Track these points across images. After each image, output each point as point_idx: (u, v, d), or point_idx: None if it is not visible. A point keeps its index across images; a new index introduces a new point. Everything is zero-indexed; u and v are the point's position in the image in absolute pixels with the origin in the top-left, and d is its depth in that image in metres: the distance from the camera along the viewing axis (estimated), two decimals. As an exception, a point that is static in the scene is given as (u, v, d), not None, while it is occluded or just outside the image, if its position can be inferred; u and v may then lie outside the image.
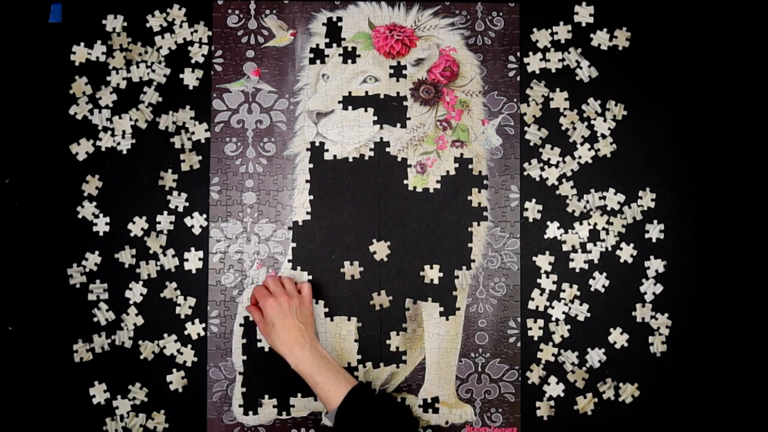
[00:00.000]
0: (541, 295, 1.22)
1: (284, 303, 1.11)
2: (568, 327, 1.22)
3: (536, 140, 1.23)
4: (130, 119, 1.22)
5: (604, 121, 1.23)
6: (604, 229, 1.22)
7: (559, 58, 1.24)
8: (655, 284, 1.22)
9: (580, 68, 1.24)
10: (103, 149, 1.21)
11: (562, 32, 1.24)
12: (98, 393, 1.20)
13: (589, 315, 1.22)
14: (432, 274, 1.21)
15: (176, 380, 1.20)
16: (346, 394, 1.06)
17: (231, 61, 1.23)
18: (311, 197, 1.22)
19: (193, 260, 1.21)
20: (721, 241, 1.22)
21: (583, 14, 1.24)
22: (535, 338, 1.21)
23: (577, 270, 1.22)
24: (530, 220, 1.22)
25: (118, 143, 1.21)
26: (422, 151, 1.22)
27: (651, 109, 1.23)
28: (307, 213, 1.22)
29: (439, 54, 1.23)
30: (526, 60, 1.24)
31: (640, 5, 1.24)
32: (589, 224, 1.22)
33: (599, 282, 1.22)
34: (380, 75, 1.23)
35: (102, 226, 1.21)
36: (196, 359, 1.20)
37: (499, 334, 1.21)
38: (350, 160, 1.22)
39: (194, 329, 1.20)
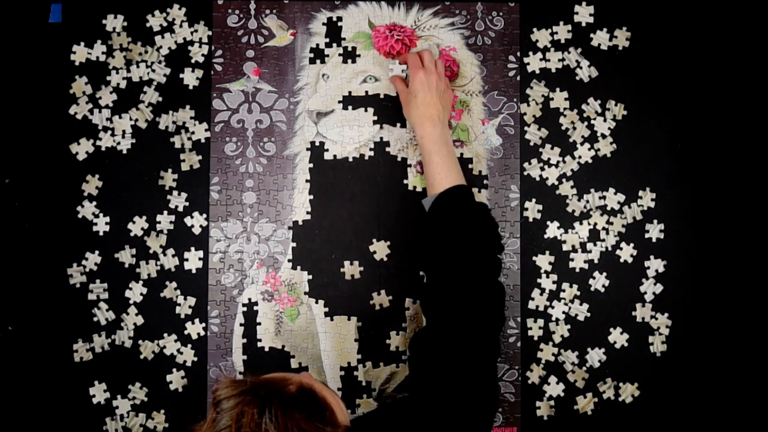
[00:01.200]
0: (541, 294, 1.22)
1: (432, 79, 1.12)
2: (568, 327, 1.22)
3: (536, 140, 1.23)
4: (130, 119, 1.22)
5: (604, 121, 1.23)
6: (604, 229, 1.22)
7: (559, 58, 1.24)
8: (655, 284, 1.22)
9: (580, 68, 1.24)
10: (103, 149, 1.21)
11: (562, 32, 1.24)
12: (98, 393, 1.20)
13: (589, 315, 1.22)
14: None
15: (176, 380, 1.20)
16: (453, 185, 1.06)
17: (231, 61, 1.23)
18: (311, 197, 1.22)
19: (193, 260, 1.21)
20: (721, 241, 1.22)
21: (583, 14, 1.24)
22: (535, 338, 1.21)
23: (577, 270, 1.22)
24: (530, 220, 1.22)
25: (118, 143, 1.21)
26: (422, 151, 1.22)
27: (651, 109, 1.23)
28: (307, 213, 1.22)
29: (439, 54, 1.23)
30: (526, 60, 1.23)
31: (640, 5, 1.24)
32: (589, 224, 1.22)
33: (599, 282, 1.22)
34: (380, 75, 1.23)
35: (102, 226, 1.21)
36: (196, 359, 1.20)
37: (500, 341, 1.21)
38: (350, 160, 1.22)
39: (194, 329, 1.20)
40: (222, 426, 0.77)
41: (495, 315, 1.04)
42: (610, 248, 1.22)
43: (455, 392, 0.96)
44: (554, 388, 1.21)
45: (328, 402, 0.84)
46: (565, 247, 1.22)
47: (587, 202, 1.23)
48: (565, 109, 1.23)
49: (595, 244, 1.22)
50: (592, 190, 1.23)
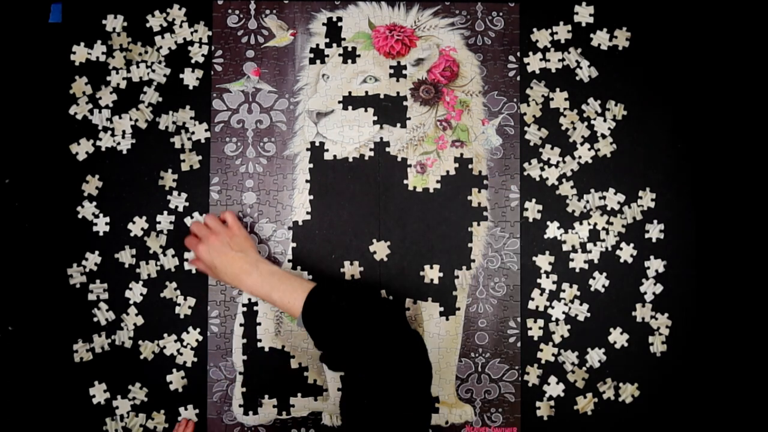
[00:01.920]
0: (541, 295, 1.22)
1: (214, 242, 1.11)
2: (568, 327, 1.22)
3: (536, 140, 1.23)
4: (130, 119, 1.22)
5: (604, 121, 1.23)
6: (604, 229, 1.22)
7: (559, 58, 1.24)
8: (655, 284, 1.22)
9: (580, 68, 1.24)
10: (103, 149, 1.21)
11: (562, 32, 1.24)
12: (98, 393, 1.20)
13: (589, 315, 1.22)
14: (432, 274, 1.21)
15: (176, 380, 1.20)
16: (305, 298, 1.04)
17: (231, 61, 1.23)
18: (311, 197, 1.22)
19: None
20: (721, 241, 1.22)
21: (583, 14, 1.24)
22: (535, 338, 1.21)
23: (577, 270, 1.22)
24: (530, 220, 1.22)
25: (118, 143, 1.21)
26: (422, 151, 1.22)
27: (651, 109, 1.23)
28: (307, 213, 1.22)
29: (439, 54, 1.23)
30: (526, 60, 1.24)
31: (640, 5, 1.24)
32: (589, 224, 1.22)
33: (599, 282, 1.22)
34: (380, 75, 1.23)
35: (102, 226, 1.21)
36: (196, 359, 1.20)
37: (499, 334, 1.21)
38: (350, 160, 1.22)
39: (194, 330, 1.20)
40: None
41: (420, 367, 0.99)
42: (610, 248, 1.22)
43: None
44: (554, 389, 1.21)
45: None
46: (565, 247, 1.22)
47: (587, 202, 1.23)
48: (565, 109, 1.23)
49: (595, 244, 1.22)
50: (592, 190, 1.23)
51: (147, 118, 1.22)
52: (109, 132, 1.21)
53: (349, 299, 1.04)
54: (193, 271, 1.21)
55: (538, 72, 1.24)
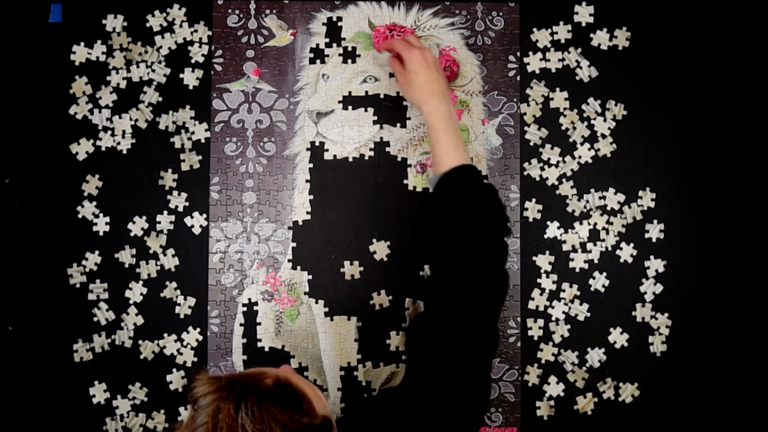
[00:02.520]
0: (541, 294, 1.22)
1: (429, 57, 1.10)
2: (568, 327, 1.22)
3: (536, 140, 1.23)
4: (130, 119, 1.22)
5: (604, 121, 1.23)
6: (604, 229, 1.22)
7: (559, 58, 1.24)
8: (655, 284, 1.22)
9: (580, 68, 1.24)
10: (103, 149, 1.21)
11: (562, 32, 1.24)
12: (98, 393, 1.20)
13: (589, 315, 1.22)
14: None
15: (176, 380, 1.20)
16: (460, 164, 1.04)
17: (231, 61, 1.23)
18: (311, 197, 1.22)
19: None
20: (721, 241, 1.22)
21: (583, 14, 1.24)
22: (535, 338, 1.21)
23: (577, 270, 1.22)
24: (530, 220, 1.22)
25: (118, 143, 1.21)
26: (422, 151, 1.22)
27: (651, 109, 1.23)
28: (307, 213, 1.22)
29: (439, 54, 1.23)
30: (526, 60, 1.23)
31: (640, 5, 1.24)
32: (589, 224, 1.22)
33: (599, 282, 1.22)
34: (380, 75, 1.23)
35: (102, 226, 1.21)
36: (196, 359, 1.20)
37: (499, 334, 1.21)
38: (350, 160, 1.22)
39: (194, 330, 1.20)
40: (199, 423, 0.78)
41: (496, 303, 1.01)
42: (610, 248, 1.22)
43: (448, 384, 0.95)
44: (554, 388, 1.21)
45: (305, 393, 0.84)
46: (565, 247, 1.22)
47: (587, 202, 1.23)
48: (565, 109, 1.23)
49: (595, 244, 1.22)
50: (592, 190, 1.23)
51: (147, 118, 1.22)
52: (109, 132, 1.21)
53: (487, 193, 1.04)
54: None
55: (538, 72, 1.24)
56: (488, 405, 1.00)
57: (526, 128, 1.23)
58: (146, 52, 1.22)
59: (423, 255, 1.04)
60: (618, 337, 1.22)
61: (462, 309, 0.98)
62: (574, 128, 1.23)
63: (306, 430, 0.79)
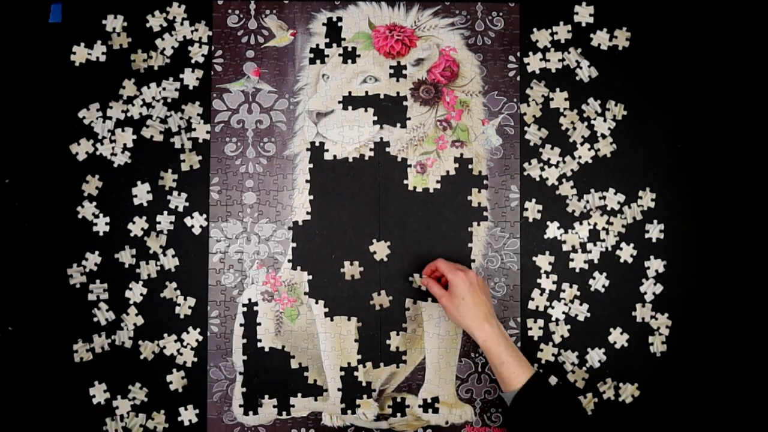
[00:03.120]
0: (541, 295, 1.22)
1: (473, 278, 1.11)
2: (568, 327, 1.22)
3: (536, 140, 1.23)
4: (133, 132, 1.21)
5: (604, 121, 1.23)
6: (604, 229, 1.22)
7: (559, 58, 1.24)
8: (655, 284, 1.22)
9: (580, 68, 1.24)
10: (102, 155, 1.21)
11: (562, 32, 1.24)
12: (98, 393, 1.20)
13: (589, 315, 1.22)
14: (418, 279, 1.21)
15: (176, 380, 1.20)
16: (529, 378, 1.06)
17: (231, 61, 1.23)
18: (311, 197, 1.22)
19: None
20: (721, 241, 1.22)
21: (583, 14, 1.24)
22: (535, 338, 1.21)
23: (577, 270, 1.22)
24: (530, 220, 1.22)
25: (115, 154, 1.21)
26: (422, 151, 1.22)
27: (651, 109, 1.23)
28: (307, 213, 1.22)
29: (439, 54, 1.23)
30: (526, 60, 1.24)
31: (640, 5, 1.24)
32: (589, 224, 1.22)
33: (599, 282, 1.22)
34: (380, 75, 1.23)
35: (102, 226, 1.21)
36: (196, 359, 1.20)
37: None
38: (350, 160, 1.22)
39: (194, 330, 1.20)
40: None
41: None
42: (610, 248, 1.22)
43: None
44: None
45: None
46: (565, 247, 1.22)
47: (587, 202, 1.23)
48: (565, 109, 1.23)
49: (595, 244, 1.22)
50: (592, 190, 1.23)
51: (158, 130, 1.21)
52: (110, 142, 1.21)
53: (562, 398, 1.07)
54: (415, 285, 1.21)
55: (538, 72, 1.24)
56: None
57: (526, 128, 1.23)
58: (150, 57, 1.22)
59: None
60: (618, 337, 1.22)
61: None
62: (574, 128, 1.23)
63: None
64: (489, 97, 1.23)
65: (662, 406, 1.21)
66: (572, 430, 1.03)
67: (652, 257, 1.22)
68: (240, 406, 1.20)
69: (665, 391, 1.21)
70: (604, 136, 1.23)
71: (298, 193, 1.22)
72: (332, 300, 1.21)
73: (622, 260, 1.22)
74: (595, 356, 1.21)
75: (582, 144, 1.23)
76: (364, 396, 1.20)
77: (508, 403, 1.07)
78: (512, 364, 1.07)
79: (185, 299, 1.21)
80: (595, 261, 1.22)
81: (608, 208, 1.23)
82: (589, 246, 1.22)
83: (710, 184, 1.22)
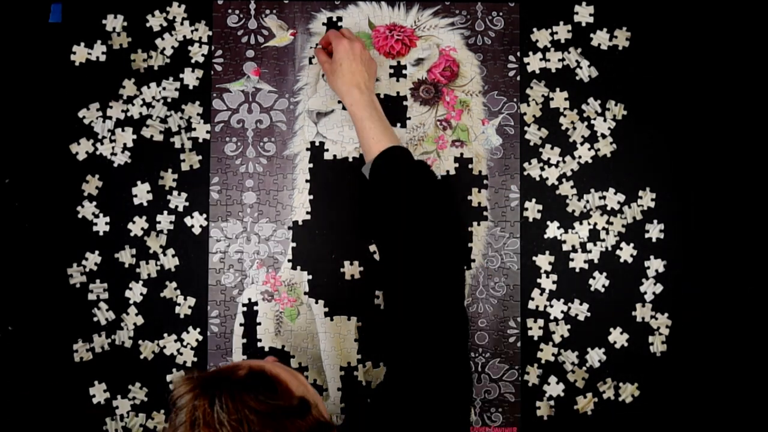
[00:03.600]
0: (541, 294, 1.22)
1: (357, 48, 1.13)
2: (568, 327, 1.22)
3: (536, 140, 1.23)
4: (133, 132, 1.21)
5: (604, 121, 1.23)
6: (604, 229, 1.22)
7: (559, 58, 1.24)
8: (655, 284, 1.22)
9: (580, 68, 1.24)
10: (102, 154, 1.21)
11: (562, 32, 1.24)
12: (98, 393, 1.20)
13: (589, 315, 1.22)
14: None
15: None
16: (387, 147, 1.07)
17: (231, 61, 1.23)
18: (311, 197, 1.22)
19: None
20: (721, 241, 1.22)
21: (583, 14, 1.24)
22: (535, 338, 1.21)
23: (577, 270, 1.22)
24: (530, 220, 1.22)
25: (115, 154, 1.21)
26: (422, 151, 1.22)
27: (651, 109, 1.23)
28: (307, 213, 1.22)
29: (439, 54, 1.23)
30: (526, 60, 1.23)
31: (640, 5, 1.24)
32: (589, 224, 1.22)
33: (599, 282, 1.22)
34: (380, 75, 1.23)
35: (102, 226, 1.21)
36: (196, 359, 1.20)
37: (499, 334, 1.21)
38: (350, 160, 1.22)
39: (194, 330, 1.20)
40: (179, 423, 0.78)
41: (456, 279, 1.02)
42: (610, 248, 1.22)
43: (425, 375, 0.94)
44: (554, 388, 1.21)
45: (280, 378, 0.84)
46: (565, 247, 1.22)
47: (587, 202, 1.23)
48: (565, 109, 1.23)
49: (595, 244, 1.22)
50: (592, 190, 1.23)
51: (158, 130, 1.21)
52: (109, 142, 1.21)
53: (420, 169, 1.06)
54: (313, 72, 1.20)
55: (538, 72, 1.24)
56: (471, 393, 1.00)
57: (526, 128, 1.23)
58: (150, 57, 1.22)
59: (375, 243, 1.06)
60: (618, 337, 1.22)
61: (421, 292, 0.98)
62: (574, 128, 1.23)
63: (283, 412, 0.79)
64: (489, 97, 1.23)
65: (662, 406, 1.21)
66: (423, 199, 1.03)
67: (652, 257, 1.22)
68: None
69: (665, 391, 1.21)
70: (604, 136, 1.23)
71: (298, 192, 1.22)
72: (332, 300, 1.21)
73: (622, 260, 1.22)
74: (595, 356, 1.21)
75: (582, 144, 1.23)
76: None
77: (367, 174, 1.07)
78: (374, 131, 1.08)
79: (185, 299, 1.21)
80: (595, 261, 1.22)
81: (608, 208, 1.23)
82: (589, 246, 1.22)
83: (710, 184, 1.22)
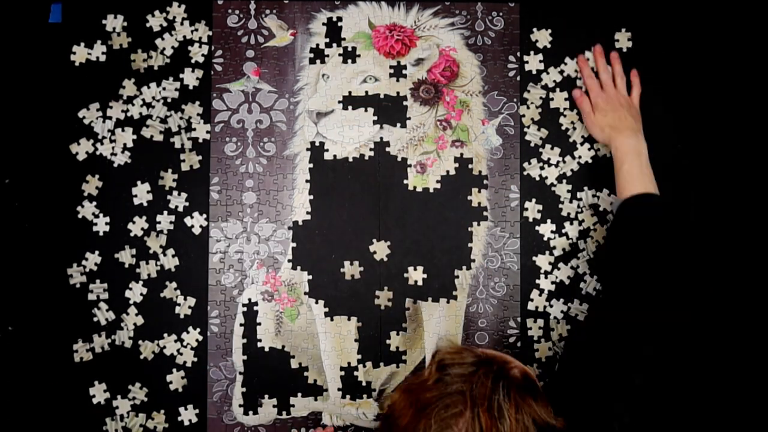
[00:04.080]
0: (540, 295, 1.22)
1: (621, 96, 1.17)
2: (568, 327, 1.22)
3: (536, 140, 1.23)
4: (133, 133, 1.21)
5: (604, 121, 1.23)
6: (604, 228, 1.22)
7: (559, 70, 1.23)
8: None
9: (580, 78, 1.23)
10: (102, 154, 1.21)
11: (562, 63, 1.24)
12: (98, 393, 1.20)
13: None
14: (416, 275, 1.21)
15: (176, 380, 1.20)
16: (641, 192, 1.08)
17: (231, 61, 1.23)
18: (311, 197, 1.22)
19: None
20: (721, 242, 1.22)
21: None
22: (535, 338, 1.21)
23: (578, 270, 1.22)
24: (530, 219, 1.22)
25: (115, 153, 1.21)
26: (422, 151, 1.22)
27: (651, 108, 1.23)
28: (307, 213, 1.22)
29: (439, 54, 1.23)
30: (526, 60, 1.23)
31: (640, 6, 1.24)
32: (587, 224, 1.22)
33: (591, 285, 1.22)
34: (380, 75, 1.23)
35: (102, 226, 1.21)
36: (196, 359, 1.20)
37: (499, 334, 1.21)
38: (350, 160, 1.22)
39: (194, 330, 1.20)
40: (454, 390, 0.80)
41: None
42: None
43: None
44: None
45: (543, 393, 0.87)
46: (565, 247, 1.22)
47: (586, 202, 1.23)
48: (565, 109, 1.23)
49: (594, 245, 1.22)
50: (593, 190, 1.23)
51: (159, 130, 1.21)
52: (109, 142, 1.21)
53: (669, 216, 1.09)
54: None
55: (534, 72, 1.23)
56: None
57: (525, 129, 1.23)
58: (150, 57, 1.22)
59: (611, 272, 1.09)
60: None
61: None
62: (574, 128, 1.23)
63: (546, 430, 0.82)
64: (489, 97, 1.23)
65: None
66: (667, 252, 1.04)
67: (651, 257, 1.22)
68: (240, 405, 1.20)
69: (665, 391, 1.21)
70: (604, 136, 1.23)
71: (298, 193, 1.22)
72: (332, 300, 1.21)
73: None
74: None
75: (582, 144, 1.23)
76: (364, 396, 1.20)
77: (613, 210, 1.10)
78: (632, 171, 1.10)
79: (185, 299, 1.21)
80: (595, 261, 1.22)
81: (601, 209, 1.23)
82: (589, 246, 1.22)
83: (710, 184, 1.22)
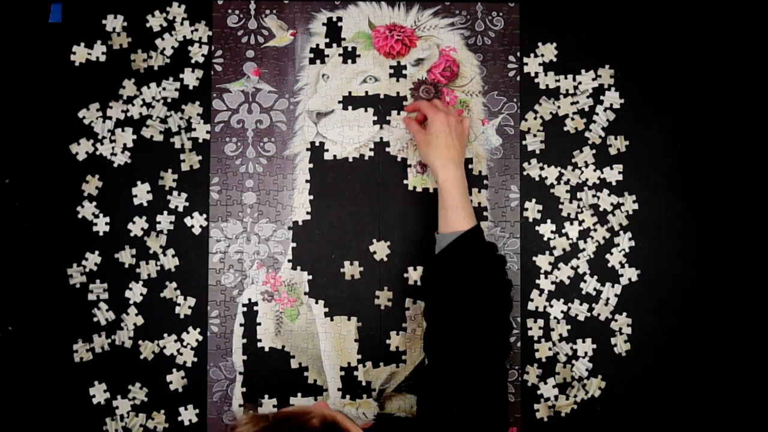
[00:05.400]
0: (540, 295, 1.22)
1: (452, 122, 1.12)
2: (568, 327, 1.22)
3: (536, 147, 1.23)
4: (133, 132, 1.21)
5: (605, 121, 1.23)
6: (604, 228, 1.22)
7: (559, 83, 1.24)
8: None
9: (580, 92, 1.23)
10: (102, 154, 1.21)
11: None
12: (98, 393, 1.20)
13: (588, 315, 1.22)
14: (416, 275, 1.20)
15: (176, 380, 1.20)
16: (470, 228, 1.07)
17: (231, 61, 1.23)
18: (311, 197, 1.22)
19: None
20: (721, 242, 1.22)
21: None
22: (535, 338, 1.21)
23: (578, 270, 1.22)
24: (530, 220, 1.22)
25: (115, 153, 1.21)
26: (422, 151, 1.22)
27: (651, 109, 1.23)
28: (307, 213, 1.22)
29: (439, 54, 1.23)
30: (525, 60, 1.24)
31: (640, 5, 1.24)
32: (587, 224, 1.22)
33: (590, 285, 1.22)
34: (380, 75, 1.23)
35: (102, 226, 1.21)
36: (196, 359, 1.20)
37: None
38: (350, 160, 1.22)
39: (194, 330, 1.20)
40: None
41: (499, 358, 1.04)
42: (609, 248, 1.22)
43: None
44: (554, 389, 1.21)
45: None
46: (565, 248, 1.22)
47: (586, 202, 1.23)
48: (566, 114, 1.23)
49: (594, 244, 1.22)
50: (592, 190, 1.23)
51: (158, 130, 1.21)
52: (110, 142, 1.21)
53: (491, 256, 1.09)
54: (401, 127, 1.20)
55: (536, 72, 1.23)
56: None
57: (524, 142, 1.23)
58: (150, 57, 1.22)
59: (427, 313, 1.09)
60: (619, 338, 1.22)
61: (466, 368, 1.01)
62: (576, 137, 1.23)
63: None
64: (489, 97, 1.23)
65: (662, 406, 1.21)
66: (489, 285, 1.06)
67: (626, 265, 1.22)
68: (240, 405, 1.20)
69: (665, 391, 1.21)
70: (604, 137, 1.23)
71: (298, 193, 1.22)
72: (332, 300, 1.21)
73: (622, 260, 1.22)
74: (581, 366, 1.21)
75: (581, 151, 1.23)
76: (364, 396, 1.20)
77: (440, 244, 1.08)
78: (462, 210, 1.08)
79: (185, 299, 1.21)
80: (595, 261, 1.22)
81: (600, 209, 1.23)
82: (589, 246, 1.22)
83: (710, 184, 1.22)
